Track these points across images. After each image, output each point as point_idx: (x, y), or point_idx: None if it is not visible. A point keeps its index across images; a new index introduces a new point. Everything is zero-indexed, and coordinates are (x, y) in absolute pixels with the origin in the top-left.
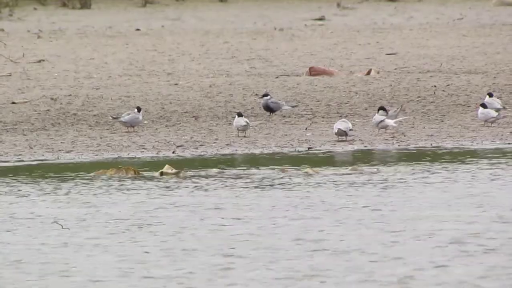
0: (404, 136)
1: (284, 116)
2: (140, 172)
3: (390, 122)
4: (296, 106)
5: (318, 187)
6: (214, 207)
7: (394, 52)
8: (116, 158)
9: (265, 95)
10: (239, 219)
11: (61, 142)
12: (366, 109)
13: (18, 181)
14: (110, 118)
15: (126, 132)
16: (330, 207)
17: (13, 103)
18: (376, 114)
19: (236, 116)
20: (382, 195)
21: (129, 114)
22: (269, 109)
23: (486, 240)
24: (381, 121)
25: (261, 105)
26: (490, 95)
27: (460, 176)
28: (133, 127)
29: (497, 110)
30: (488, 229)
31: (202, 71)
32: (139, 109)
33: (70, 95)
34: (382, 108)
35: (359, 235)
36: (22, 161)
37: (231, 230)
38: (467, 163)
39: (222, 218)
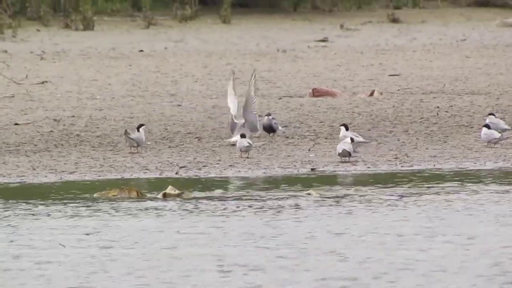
0: (408, 157)
1: (287, 137)
2: (143, 193)
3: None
4: (286, 126)
5: (321, 208)
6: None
7: (397, 73)
8: (119, 179)
9: (268, 114)
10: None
11: (64, 163)
12: (369, 130)
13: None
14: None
15: (129, 153)
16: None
17: (16, 124)
18: None
19: (239, 137)
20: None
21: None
22: (271, 129)
23: None
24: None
25: (263, 124)
26: (493, 115)
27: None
28: (138, 146)
29: (504, 130)
30: None
31: (205, 92)
32: (139, 127)
33: (73, 116)
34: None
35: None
36: (25, 182)
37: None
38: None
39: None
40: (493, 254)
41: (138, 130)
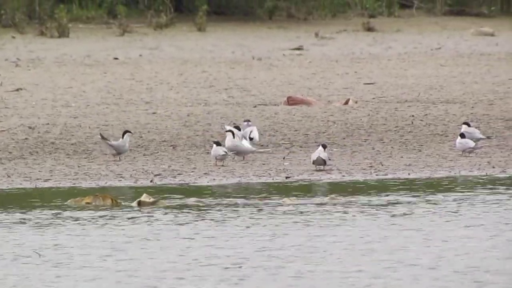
0: (382, 165)
1: (262, 145)
2: (118, 201)
3: None
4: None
5: (296, 216)
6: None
7: (372, 82)
8: (93, 187)
9: (247, 120)
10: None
11: (39, 171)
12: (344, 138)
13: None
14: (99, 137)
15: (104, 160)
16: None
17: None
18: None
19: (214, 145)
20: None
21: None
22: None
23: None
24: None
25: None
26: (467, 124)
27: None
28: (120, 154)
29: (478, 140)
30: None
31: (181, 100)
32: (124, 134)
33: (48, 123)
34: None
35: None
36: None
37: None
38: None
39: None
40: None
41: (123, 137)
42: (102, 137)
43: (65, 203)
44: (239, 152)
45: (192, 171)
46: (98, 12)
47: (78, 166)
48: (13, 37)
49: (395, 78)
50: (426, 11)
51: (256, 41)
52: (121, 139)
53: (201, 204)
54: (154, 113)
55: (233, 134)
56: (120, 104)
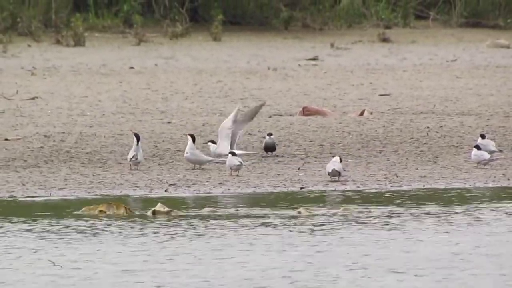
0: (397, 177)
1: (277, 155)
2: (132, 210)
3: None
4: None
5: (312, 227)
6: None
7: (387, 93)
8: (108, 195)
9: (270, 134)
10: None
11: (54, 179)
12: (359, 149)
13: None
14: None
15: (119, 169)
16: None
17: (6, 139)
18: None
19: (230, 156)
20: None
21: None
22: (272, 149)
23: None
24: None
25: (266, 143)
26: (483, 136)
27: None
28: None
29: (491, 152)
30: None
31: (196, 110)
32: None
33: (64, 132)
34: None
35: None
36: (15, 197)
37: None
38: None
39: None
40: None
41: (138, 143)
42: (135, 159)
43: (79, 212)
44: (193, 161)
45: (207, 181)
46: (114, 21)
47: (93, 175)
48: (29, 46)
49: (410, 90)
50: (442, 22)
51: (271, 51)
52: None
53: (215, 214)
54: (169, 122)
55: (193, 139)
56: (136, 113)
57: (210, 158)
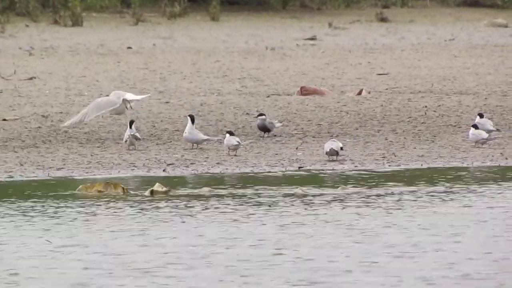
0: (395, 156)
1: (275, 135)
2: (129, 190)
3: None
4: (282, 122)
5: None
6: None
7: (385, 73)
8: (106, 176)
9: (261, 114)
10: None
11: (52, 160)
12: (357, 129)
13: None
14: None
15: (117, 149)
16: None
17: (4, 120)
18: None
19: (227, 135)
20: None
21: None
22: (265, 129)
23: None
24: None
25: (257, 125)
26: (481, 115)
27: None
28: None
29: (489, 131)
30: None
31: (194, 90)
32: (131, 124)
33: (61, 112)
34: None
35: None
36: (12, 177)
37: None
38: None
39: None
40: None
41: (131, 127)
42: (136, 138)
43: (75, 191)
44: (190, 140)
45: (205, 161)
46: (112, 1)
47: (91, 155)
48: (27, 26)
49: (408, 69)
50: (439, 1)
51: (269, 31)
52: (134, 129)
53: (213, 194)
54: (167, 102)
55: (192, 120)
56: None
57: (207, 137)
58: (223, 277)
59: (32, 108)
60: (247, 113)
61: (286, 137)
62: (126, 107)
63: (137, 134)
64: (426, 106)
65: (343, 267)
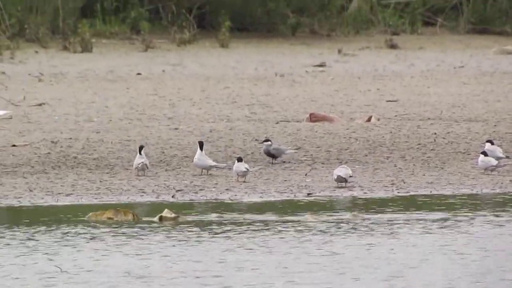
0: (404, 183)
1: (284, 161)
2: (139, 217)
3: None
4: (298, 149)
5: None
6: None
7: (395, 99)
8: (115, 202)
9: (266, 140)
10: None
11: (61, 185)
12: (366, 155)
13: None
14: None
15: (126, 175)
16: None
17: (14, 145)
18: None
19: (236, 161)
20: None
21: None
22: (270, 155)
23: None
24: None
25: (263, 151)
26: (491, 142)
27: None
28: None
29: (499, 158)
30: None
31: (203, 116)
32: (141, 149)
33: (71, 138)
34: None
35: None
36: (21, 203)
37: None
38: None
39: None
40: None
41: (140, 153)
42: (145, 167)
43: (84, 218)
44: (199, 166)
45: (214, 187)
46: (122, 27)
47: (100, 181)
48: (36, 52)
49: (418, 96)
50: (449, 29)
51: (278, 58)
52: (144, 156)
53: (222, 220)
54: (176, 128)
55: (201, 147)
56: (143, 119)
57: (215, 164)
58: None
59: (42, 134)
60: (256, 140)
61: (295, 163)
62: None
63: (147, 163)
64: (435, 133)
65: None
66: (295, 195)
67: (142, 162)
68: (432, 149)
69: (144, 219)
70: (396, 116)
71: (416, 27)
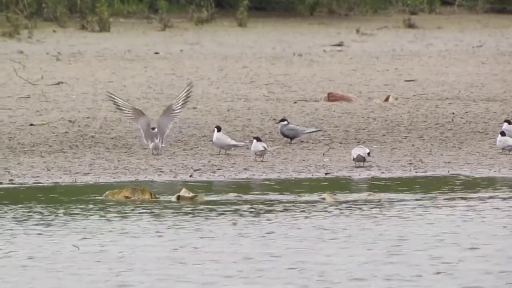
0: (422, 162)
1: (302, 141)
2: (156, 196)
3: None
4: (320, 130)
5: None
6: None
7: (412, 79)
8: (133, 181)
9: (283, 120)
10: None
11: (79, 165)
12: (383, 135)
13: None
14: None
15: (143, 155)
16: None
17: (31, 125)
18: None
19: (254, 141)
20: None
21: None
22: (285, 135)
23: None
24: None
25: (279, 131)
26: (509, 122)
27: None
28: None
29: None
30: None
31: (221, 95)
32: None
33: (88, 117)
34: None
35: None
36: (40, 183)
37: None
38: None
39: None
40: None
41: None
42: (158, 146)
43: (101, 196)
44: (219, 145)
45: (232, 167)
46: (139, 6)
47: (118, 160)
48: (54, 31)
49: (436, 76)
50: (467, 8)
51: (296, 37)
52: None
53: (240, 199)
54: (194, 108)
55: (219, 129)
56: (161, 98)
57: (234, 142)
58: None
59: (59, 113)
60: (274, 119)
61: (313, 143)
62: None
63: (159, 144)
64: (453, 113)
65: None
66: (313, 175)
67: (154, 142)
68: (450, 129)
69: (162, 198)
70: (414, 95)
71: (434, 6)
